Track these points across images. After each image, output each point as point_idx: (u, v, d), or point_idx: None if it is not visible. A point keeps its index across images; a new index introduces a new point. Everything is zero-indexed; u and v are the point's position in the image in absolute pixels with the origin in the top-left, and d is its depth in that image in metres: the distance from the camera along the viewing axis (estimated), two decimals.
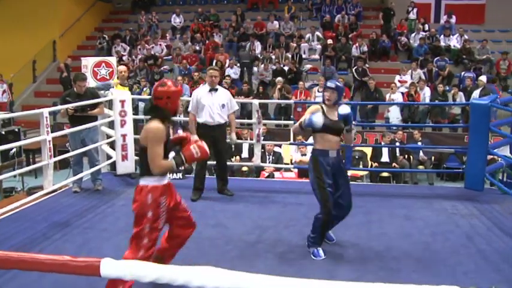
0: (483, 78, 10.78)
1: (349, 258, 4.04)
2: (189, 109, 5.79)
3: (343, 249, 4.23)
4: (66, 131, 5.91)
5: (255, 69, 12.78)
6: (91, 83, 6.81)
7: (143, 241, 3.07)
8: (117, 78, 6.82)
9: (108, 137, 6.47)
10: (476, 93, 10.28)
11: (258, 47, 13.62)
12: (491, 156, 6.44)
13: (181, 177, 6.74)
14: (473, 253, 4.14)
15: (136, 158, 6.49)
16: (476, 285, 3.54)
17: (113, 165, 6.59)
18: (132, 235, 3.10)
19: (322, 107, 4.01)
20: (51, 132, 5.03)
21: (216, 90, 5.62)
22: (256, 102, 6.53)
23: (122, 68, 7.00)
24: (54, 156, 5.14)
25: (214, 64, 12.67)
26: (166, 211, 3.16)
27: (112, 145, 6.39)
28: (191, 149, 3.12)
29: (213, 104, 5.56)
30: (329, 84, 4.06)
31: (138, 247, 3.08)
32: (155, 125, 3.04)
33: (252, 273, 1.44)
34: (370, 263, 3.95)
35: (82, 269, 1.48)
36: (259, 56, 13.18)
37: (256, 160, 6.73)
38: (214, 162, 5.88)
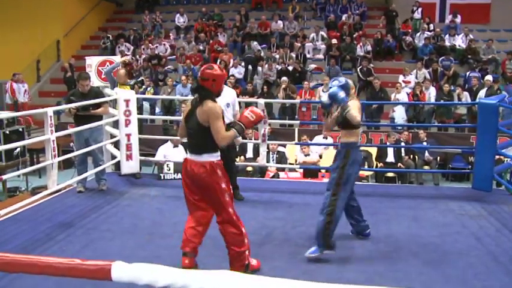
0: (489, 78, 10.71)
1: (357, 260, 3.98)
2: None
3: (351, 250, 4.17)
4: (70, 130, 5.88)
5: (259, 69, 12.75)
6: (95, 82, 6.76)
7: (229, 209, 3.44)
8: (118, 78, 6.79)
9: (113, 136, 6.43)
10: (482, 93, 10.22)
11: (256, 46, 13.56)
12: (497, 157, 6.37)
13: None
14: (483, 255, 4.08)
15: (141, 157, 6.47)
16: (487, 287, 3.50)
17: (118, 165, 6.55)
18: (217, 208, 3.45)
19: None
20: (55, 131, 4.99)
21: None
22: (262, 101, 6.48)
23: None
24: (58, 156, 5.09)
25: (218, 63, 12.64)
26: None
27: (116, 145, 6.35)
28: (246, 115, 3.40)
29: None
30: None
31: (231, 213, 3.45)
32: (212, 104, 3.35)
33: (267, 277, 1.39)
34: (379, 264, 3.89)
35: (93, 272, 1.44)
36: (262, 55, 13.13)
37: (262, 160, 6.68)
38: None
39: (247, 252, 3.54)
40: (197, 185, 3.44)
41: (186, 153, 3.57)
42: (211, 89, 3.39)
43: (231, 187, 3.51)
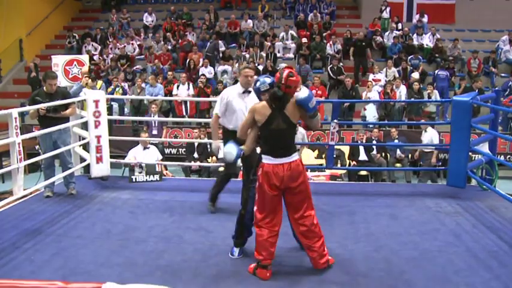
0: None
1: (338, 260, 3.90)
2: (215, 111, 4.99)
3: (331, 250, 4.07)
4: (37, 132, 5.59)
5: (229, 68, 12.61)
6: (62, 82, 6.49)
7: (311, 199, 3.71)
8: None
9: (81, 138, 6.19)
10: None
11: (221, 46, 13.43)
12: None
13: (158, 179, 6.53)
14: (462, 251, 4.09)
15: (112, 160, 6.26)
16: (469, 284, 3.49)
17: (87, 168, 6.31)
18: (306, 201, 3.65)
19: None
20: (20, 134, 4.73)
21: (249, 92, 4.82)
22: None
23: (85, 69, 6.75)
24: (24, 160, 4.83)
25: (187, 63, 12.47)
26: None
27: (85, 147, 6.11)
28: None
29: (246, 108, 4.71)
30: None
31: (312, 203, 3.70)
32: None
33: None
34: (360, 264, 3.84)
35: None
36: (223, 53, 13.05)
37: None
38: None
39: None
40: (293, 185, 3.58)
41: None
42: (291, 93, 3.56)
43: None
